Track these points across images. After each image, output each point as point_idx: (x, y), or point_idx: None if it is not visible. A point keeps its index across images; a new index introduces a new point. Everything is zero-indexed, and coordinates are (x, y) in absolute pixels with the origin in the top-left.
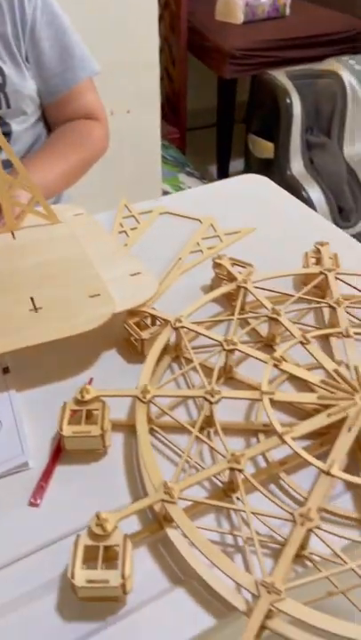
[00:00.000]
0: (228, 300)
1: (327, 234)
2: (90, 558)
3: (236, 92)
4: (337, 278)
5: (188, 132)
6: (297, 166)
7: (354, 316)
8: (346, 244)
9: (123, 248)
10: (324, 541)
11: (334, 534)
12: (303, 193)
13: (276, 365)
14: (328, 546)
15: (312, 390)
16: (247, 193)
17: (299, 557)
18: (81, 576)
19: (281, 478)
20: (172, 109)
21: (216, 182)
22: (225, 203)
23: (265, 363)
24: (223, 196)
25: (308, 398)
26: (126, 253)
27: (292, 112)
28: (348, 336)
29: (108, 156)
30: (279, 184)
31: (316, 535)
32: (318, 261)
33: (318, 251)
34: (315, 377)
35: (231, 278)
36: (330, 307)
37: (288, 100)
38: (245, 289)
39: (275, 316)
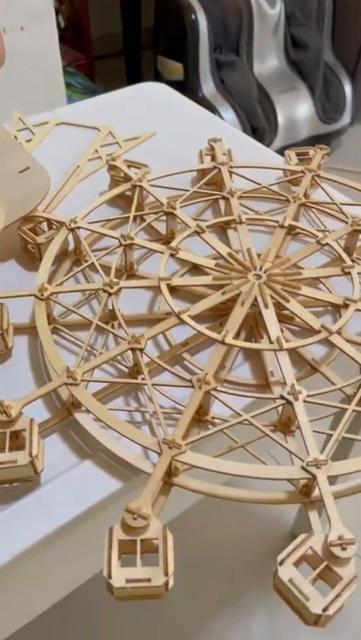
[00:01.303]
0: (127, 204)
1: (224, 133)
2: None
3: (140, 15)
4: (231, 172)
5: (96, 60)
6: (208, 87)
7: (248, 207)
8: (241, 140)
9: (9, 139)
10: (224, 403)
11: (233, 394)
12: (216, 114)
13: (172, 255)
14: (227, 405)
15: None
16: (146, 100)
17: (203, 422)
18: None
19: (185, 359)
20: (76, 35)
21: (113, 92)
22: (123, 111)
23: (162, 253)
24: (121, 104)
25: (203, 280)
26: (14, 146)
27: (198, 29)
28: (240, 222)
29: (8, 76)
30: None
31: (216, 398)
32: (214, 158)
33: (212, 148)
34: (210, 261)
35: (127, 180)
36: (224, 198)
37: (193, 17)
38: (141, 187)
39: (170, 210)
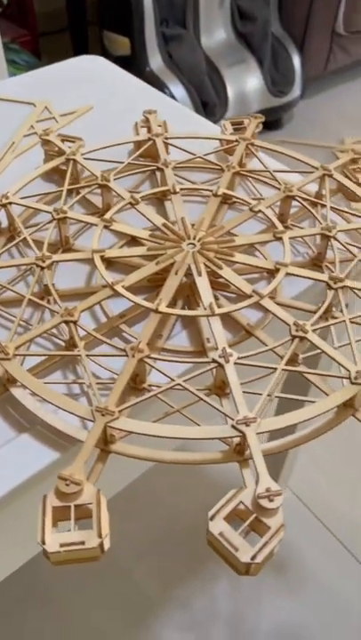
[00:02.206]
0: (63, 179)
1: (164, 105)
2: None
3: None
4: (167, 143)
5: (42, 37)
6: (155, 62)
7: (186, 179)
8: (181, 112)
9: None
10: (158, 369)
11: (167, 360)
12: (166, 90)
13: (106, 227)
14: (161, 372)
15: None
16: (83, 73)
17: (140, 390)
18: None
19: (123, 330)
20: (20, 11)
21: (50, 66)
22: (61, 85)
23: (95, 226)
24: (58, 78)
25: (138, 251)
26: None
27: (143, 3)
28: (175, 193)
29: None
30: None
31: (150, 365)
32: (150, 130)
33: (148, 119)
34: (144, 232)
35: (61, 154)
36: (159, 169)
37: None
38: (75, 161)
39: (104, 182)
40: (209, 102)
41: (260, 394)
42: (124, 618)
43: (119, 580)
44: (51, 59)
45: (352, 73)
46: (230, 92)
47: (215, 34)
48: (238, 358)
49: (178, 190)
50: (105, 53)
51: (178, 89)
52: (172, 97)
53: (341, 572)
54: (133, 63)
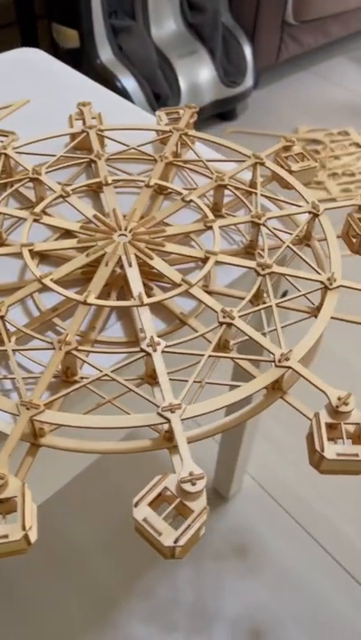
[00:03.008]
0: None
1: (103, 98)
2: None
3: None
4: (102, 136)
5: None
6: (106, 54)
7: (122, 170)
8: (120, 105)
9: None
10: (85, 361)
11: (97, 352)
12: (117, 83)
13: (36, 220)
14: (89, 363)
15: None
16: (21, 66)
17: (72, 383)
18: None
19: (56, 324)
20: None
21: None
22: None
23: (25, 219)
24: None
25: (68, 244)
26: None
27: None
28: (107, 184)
29: None
30: (90, 74)
31: (78, 357)
32: (85, 122)
33: (82, 112)
34: (75, 225)
35: None
36: (92, 162)
37: None
38: (6, 155)
39: (35, 175)
40: (161, 94)
41: (184, 380)
42: (87, 610)
43: (82, 572)
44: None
45: (304, 62)
46: (182, 83)
47: (165, 25)
48: (166, 346)
49: (110, 182)
50: (54, 46)
51: (129, 81)
52: (124, 90)
53: (301, 554)
54: (83, 55)
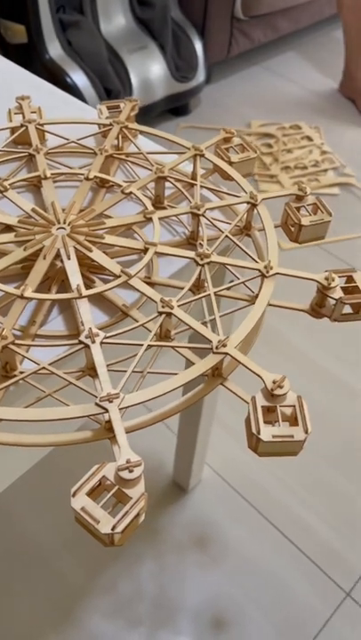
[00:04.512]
0: None
1: (42, 92)
2: None
3: None
4: (42, 130)
5: None
6: (54, 49)
7: (64, 164)
8: (60, 98)
9: None
10: (23, 355)
11: (35, 345)
12: (67, 79)
13: None
14: (27, 357)
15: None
16: None
17: (11, 378)
18: None
19: None
20: None
21: None
22: None
23: None
24: None
25: (5, 238)
26: None
27: None
28: (45, 178)
29: None
30: (39, 70)
31: (17, 352)
32: (24, 116)
33: (21, 106)
34: (12, 218)
35: None
36: (31, 156)
37: None
38: None
39: None
40: (113, 90)
41: (123, 370)
42: (49, 608)
43: (43, 570)
44: None
45: (255, 57)
46: (134, 78)
47: (114, 20)
48: (105, 337)
49: (48, 175)
50: (2, 42)
51: (80, 77)
52: (75, 85)
53: (262, 542)
54: (32, 51)
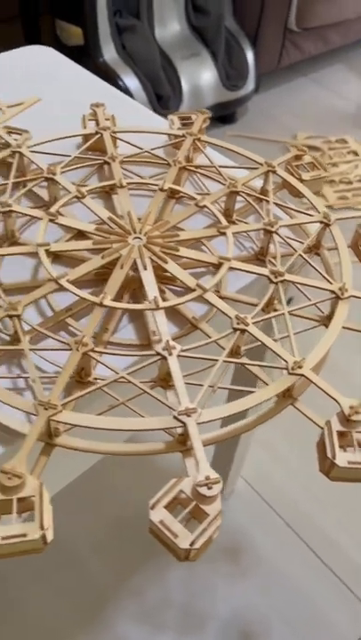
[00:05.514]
0: (8, 172)
1: (112, 98)
2: None
3: None
4: (115, 137)
5: None
6: (109, 52)
7: (135, 173)
8: (129, 106)
9: None
10: (102, 363)
11: (113, 354)
12: (120, 82)
13: (52, 220)
14: (105, 365)
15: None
16: (32, 64)
17: (86, 384)
18: None
19: (69, 324)
20: None
21: None
22: (8, 75)
23: (41, 219)
24: (6, 68)
25: (83, 245)
26: None
27: None
28: (121, 187)
29: None
30: (93, 73)
31: (94, 358)
32: (98, 123)
33: (95, 113)
34: (90, 226)
35: (7, 146)
36: (106, 163)
37: None
38: (20, 154)
39: (50, 175)
40: (163, 95)
41: (199, 384)
42: (78, 610)
43: (73, 572)
44: (1, 48)
45: (304, 68)
46: (185, 85)
47: (169, 26)
48: (182, 351)
49: (125, 184)
50: (58, 43)
51: (132, 81)
52: (127, 89)
53: (292, 557)
54: (87, 53)
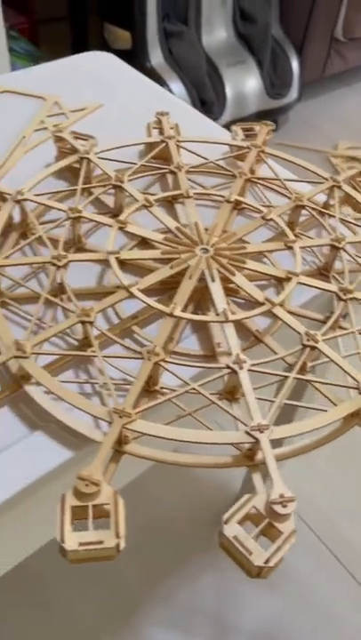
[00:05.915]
0: (74, 177)
1: (172, 105)
2: None
3: None
4: (179, 146)
5: (41, 24)
6: (156, 57)
7: (195, 182)
8: (189, 113)
9: None
10: (173, 373)
11: (181, 364)
12: (165, 87)
13: (121, 228)
14: (176, 375)
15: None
16: (94, 70)
17: (152, 392)
18: None
19: (135, 332)
20: None
21: (60, 60)
22: (71, 80)
23: (110, 227)
24: (67, 73)
25: (152, 254)
26: None
27: None
28: (188, 197)
29: None
30: None
31: (165, 368)
32: (162, 132)
33: (160, 121)
34: (158, 235)
35: (74, 151)
36: (171, 172)
37: None
38: (88, 160)
39: (118, 183)
40: (207, 101)
41: (270, 400)
42: (108, 613)
43: (104, 576)
44: (49, 47)
45: (347, 78)
46: (229, 91)
47: (216, 33)
48: (251, 365)
49: (191, 195)
50: (104, 45)
51: (178, 86)
52: (172, 94)
53: (322, 571)
54: (134, 58)
